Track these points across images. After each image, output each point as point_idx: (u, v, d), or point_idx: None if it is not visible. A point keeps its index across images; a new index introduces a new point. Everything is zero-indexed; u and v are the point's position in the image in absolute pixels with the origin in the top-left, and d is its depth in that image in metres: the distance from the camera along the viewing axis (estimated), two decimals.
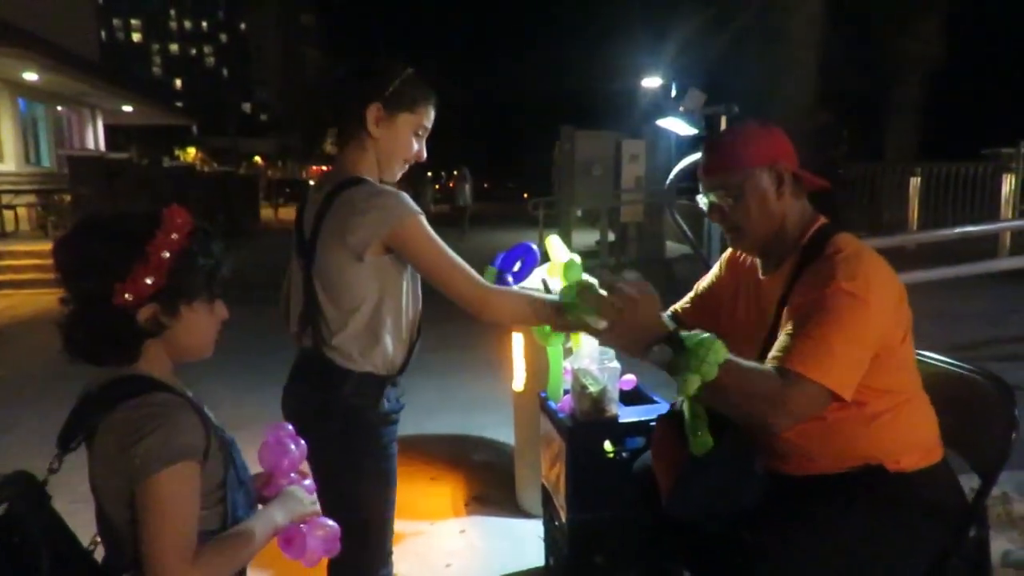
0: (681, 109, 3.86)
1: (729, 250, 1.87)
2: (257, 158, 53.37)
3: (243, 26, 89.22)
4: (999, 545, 2.50)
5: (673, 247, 11.92)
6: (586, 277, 1.67)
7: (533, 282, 1.87)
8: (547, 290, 1.77)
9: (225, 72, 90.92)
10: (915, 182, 9.83)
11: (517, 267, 1.91)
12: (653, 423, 1.99)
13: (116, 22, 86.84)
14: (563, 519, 2.28)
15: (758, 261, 1.72)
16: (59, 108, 16.18)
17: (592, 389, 2.19)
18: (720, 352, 1.33)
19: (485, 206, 28.42)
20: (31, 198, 12.78)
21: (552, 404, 2.38)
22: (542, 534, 2.63)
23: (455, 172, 25.01)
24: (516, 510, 3.13)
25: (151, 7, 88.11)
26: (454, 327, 3.56)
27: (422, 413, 4.18)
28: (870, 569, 1.46)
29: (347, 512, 1.48)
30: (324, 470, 1.57)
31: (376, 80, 1.62)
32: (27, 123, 14.69)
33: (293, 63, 75.78)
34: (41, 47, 11.61)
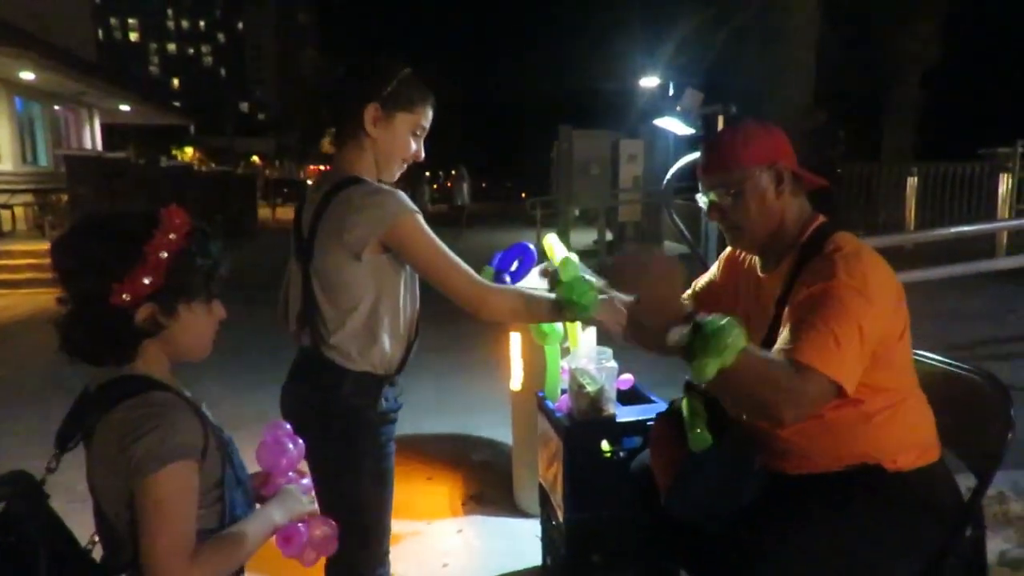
0: (678, 109, 3.85)
1: (728, 249, 1.87)
2: (255, 158, 53.28)
3: (241, 25, 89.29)
4: (995, 544, 2.51)
5: (671, 246, 11.93)
6: (585, 275, 1.67)
7: (531, 281, 1.87)
8: (551, 280, 1.77)
9: (223, 71, 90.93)
10: (912, 182, 9.85)
11: (515, 266, 1.91)
12: (650, 423, 2.00)
13: (113, 21, 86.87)
14: (560, 518, 2.28)
15: (757, 260, 1.72)
16: (56, 107, 16.15)
17: (589, 388, 2.19)
18: (741, 338, 1.29)
19: (483, 205, 28.42)
20: (28, 198, 12.77)
21: (549, 403, 2.38)
22: (539, 533, 2.63)
23: (453, 171, 25.02)
24: (513, 510, 3.13)
25: (148, 6, 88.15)
26: (452, 326, 3.56)
27: (420, 412, 4.17)
28: (867, 567, 1.46)
29: (345, 511, 1.49)
30: (322, 469, 1.57)
31: (374, 80, 1.62)
32: (24, 122, 14.67)
33: (291, 62, 75.74)
34: (38, 46, 11.59)
